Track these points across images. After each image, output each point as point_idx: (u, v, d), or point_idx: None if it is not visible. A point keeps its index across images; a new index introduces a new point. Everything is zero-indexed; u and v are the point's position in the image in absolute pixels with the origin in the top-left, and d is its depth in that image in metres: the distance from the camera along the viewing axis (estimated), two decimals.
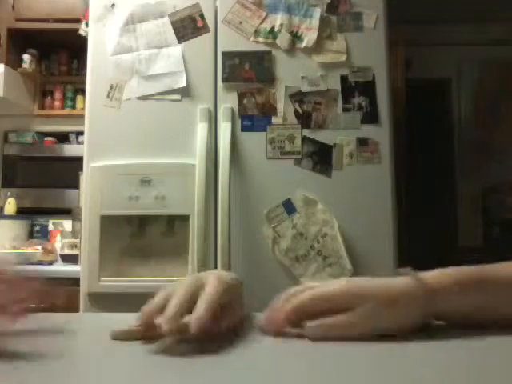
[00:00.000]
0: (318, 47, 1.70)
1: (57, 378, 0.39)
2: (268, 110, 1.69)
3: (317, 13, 1.71)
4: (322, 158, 1.67)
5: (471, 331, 0.50)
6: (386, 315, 0.49)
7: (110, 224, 1.64)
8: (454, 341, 0.48)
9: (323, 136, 1.68)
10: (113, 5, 1.74)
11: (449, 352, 0.46)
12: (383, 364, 0.42)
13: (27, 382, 0.38)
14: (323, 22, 1.71)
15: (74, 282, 1.69)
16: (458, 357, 0.45)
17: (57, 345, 0.49)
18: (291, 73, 1.70)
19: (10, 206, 2.46)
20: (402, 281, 0.51)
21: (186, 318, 0.46)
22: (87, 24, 1.80)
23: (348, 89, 1.69)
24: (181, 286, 0.50)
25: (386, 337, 0.48)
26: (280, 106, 1.69)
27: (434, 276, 0.51)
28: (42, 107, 2.69)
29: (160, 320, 0.45)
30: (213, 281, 0.50)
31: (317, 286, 0.52)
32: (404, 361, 0.44)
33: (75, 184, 2.30)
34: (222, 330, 0.50)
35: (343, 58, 1.70)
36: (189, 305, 0.47)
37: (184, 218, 1.64)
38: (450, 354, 0.45)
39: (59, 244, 2.25)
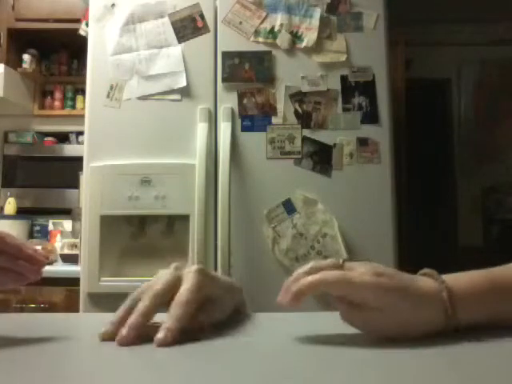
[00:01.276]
0: (318, 47, 1.70)
1: (56, 378, 0.39)
2: (268, 110, 1.69)
3: (317, 13, 1.71)
4: (322, 158, 1.67)
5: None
6: (411, 318, 0.47)
7: (110, 224, 1.65)
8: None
9: (323, 136, 1.68)
10: (113, 5, 1.74)
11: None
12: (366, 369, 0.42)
13: (26, 381, 0.38)
14: (323, 22, 1.71)
15: (74, 281, 1.69)
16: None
17: (56, 345, 0.49)
18: (291, 73, 1.70)
19: (10, 205, 2.46)
20: (427, 282, 0.49)
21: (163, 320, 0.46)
22: (87, 24, 1.80)
23: (348, 89, 1.69)
24: (155, 284, 0.49)
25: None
26: (280, 106, 1.69)
27: (455, 280, 0.49)
28: (42, 107, 2.69)
29: (123, 329, 0.46)
30: (191, 276, 0.49)
31: (340, 267, 0.49)
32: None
33: (75, 184, 2.30)
34: (202, 326, 0.49)
35: (343, 58, 1.70)
36: (161, 303, 0.48)
37: (184, 218, 1.64)
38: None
39: (59, 244, 2.25)
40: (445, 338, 0.48)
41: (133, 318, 0.47)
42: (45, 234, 2.47)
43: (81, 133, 2.40)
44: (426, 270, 0.51)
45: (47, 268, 2.26)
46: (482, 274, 0.51)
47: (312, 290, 0.47)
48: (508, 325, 0.50)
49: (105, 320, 0.50)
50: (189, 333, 0.47)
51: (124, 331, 0.46)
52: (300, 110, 1.69)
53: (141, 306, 0.47)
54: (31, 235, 2.49)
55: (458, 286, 0.49)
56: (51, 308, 1.79)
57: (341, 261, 0.49)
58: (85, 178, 1.69)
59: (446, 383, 0.37)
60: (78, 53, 2.51)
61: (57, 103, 2.68)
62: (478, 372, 0.39)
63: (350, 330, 0.51)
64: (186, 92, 1.70)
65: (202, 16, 1.72)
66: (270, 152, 1.67)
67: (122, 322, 0.47)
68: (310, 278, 0.47)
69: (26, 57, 2.58)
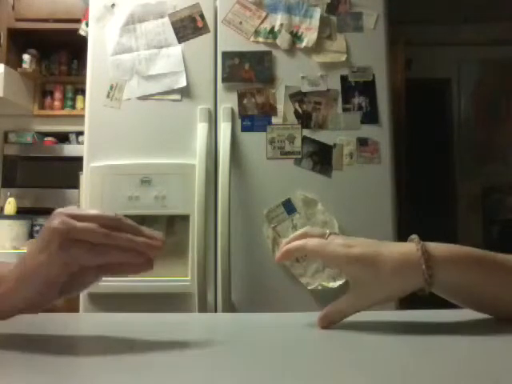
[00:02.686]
0: (318, 47, 1.70)
1: (54, 379, 0.39)
2: (268, 110, 1.69)
3: (317, 13, 1.71)
4: (322, 157, 1.67)
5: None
6: (388, 286, 0.52)
7: None
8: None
9: (323, 136, 1.68)
10: (113, 5, 1.74)
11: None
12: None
13: (28, 381, 0.38)
14: (323, 22, 1.71)
15: None
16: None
17: (56, 344, 0.49)
18: (291, 73, 1.70)
19: (10, 205, 2.46)
20: (405, 248, 0.53)
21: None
22: (87, 24, 1.80)
23: (348, 89, 1.69)
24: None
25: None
26: (280, 106, 1.69)
27: (437, 246, 0.53)
28: (42, 107, 2.69)
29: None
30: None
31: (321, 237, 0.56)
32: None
33: (75, 184, 2.30)
34: None
35: (343, 58, 1.70)
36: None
37: (184, 218, 1.64)
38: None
39: None
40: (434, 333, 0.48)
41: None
42: None
43: (81, 133, 2.40)
44: (412, 236, 0.55)
45: None
46: (465, 247, 0.54)
47: (295, 252, 0.56)
48: (490, 305, 0.54)
49: (105, 320, 0.50)
50: None
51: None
52: (300, 110, 1.69)
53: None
54: (31, 235, 2.49)
55: (443, 251, 0.52)
56: (51, 308, 1.79)
57: (327, 232, 0.56)
58: (85, 178, 1.69)
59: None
60: (78, 53, 2.51)
61: (57, 103, 2.68)
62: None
63: (346, 326, 0.51)
64: (186, 92, 1.70)
65: (202, 16, 1.72)
66: (270, 152, 1.67)
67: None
68: (294, 243, 0.56)
69: (26, 57, 2.58)
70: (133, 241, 0.49)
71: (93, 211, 0.48)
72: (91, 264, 0.49)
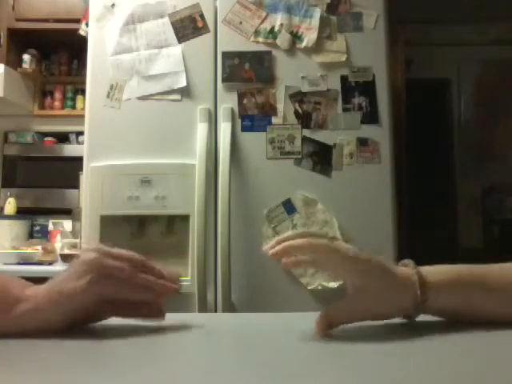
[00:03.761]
0: (318, 47, 1.70)
1: (52, 376, 0.39)
2: (268, 110, 1.69)
3: (317, 13, 1.71)
4: (322, 158, 1.67)
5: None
6: (383, 300, 0.52)
7: (110, 224, 1.64)
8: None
9: (323, 136, 1.68)
10: (113, 5, 1.74)
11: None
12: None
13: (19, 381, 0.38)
14: (323, 22, 1.71)
15: None
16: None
17: (56, 344, 0.49)
18: (291, 73, 1.70)
19: (10, 205, 2.46)
20: (400, 269, 0.54)
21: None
22: (87, 24, 1.80)
23: (348, 89, 1.69)
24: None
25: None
26: (280, 106, 1.69)
27: (430, 270, 0.53)
28: (42, 107, 2.69)
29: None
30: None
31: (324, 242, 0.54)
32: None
33: (75, 184, 2.30)
34: None
35: (343, 58, 1.70)
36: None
37: (184, 218, 1.64)
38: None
39: (59, 244, 2.24)
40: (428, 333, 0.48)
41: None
42: (45, 234, 2.47)
43: (81, 133, 2.40)
44: (405, 261, 0.55)
45: (47, 268, 2.25)
46: (469, 268, 0.54)
47: (296, 250, 0.53)
48: (477, 319, 0.53)
49: (104, 320, 0.50)
50: None
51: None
52: (300, 110, 1.69)
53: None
54: (31, 235, 2.48)
55: (436, 274, 0.52)
56: None
57: (330, 235, 0.56)
58: (85, 177, 1.69)
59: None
60: (78, 53, 2.51)
61: (57, 103, 2.67)
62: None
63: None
64: (186, 92, 1.70)
65: (202, 16, 1.72)
66: (270, 152, 1.67)
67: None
68: (296, 241, 0.53)
69: (26, 57, 2.58)
70: (153, 282, 0.55)
71: (125, 252, 0.56)
72: (117, 296, 0.55)
